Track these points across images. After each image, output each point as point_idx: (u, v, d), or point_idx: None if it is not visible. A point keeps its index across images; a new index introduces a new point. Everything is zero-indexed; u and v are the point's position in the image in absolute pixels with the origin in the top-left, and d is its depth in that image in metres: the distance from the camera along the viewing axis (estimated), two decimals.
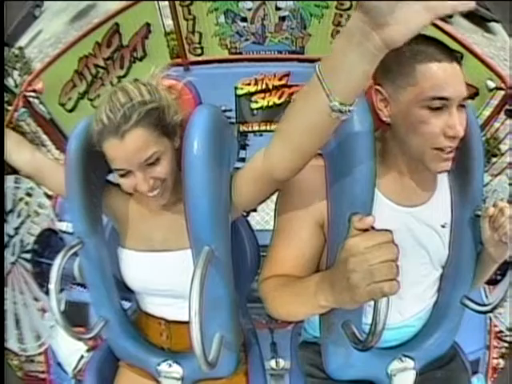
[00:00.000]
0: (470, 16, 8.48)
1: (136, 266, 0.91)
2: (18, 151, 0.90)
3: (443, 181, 0.87)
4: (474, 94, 1.85)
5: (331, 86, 0.53)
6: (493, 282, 1.62)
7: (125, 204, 0.93)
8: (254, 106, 2.35)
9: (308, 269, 0.80)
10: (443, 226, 0.85)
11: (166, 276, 0.88)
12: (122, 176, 0.78)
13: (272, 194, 0.81)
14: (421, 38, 0.70)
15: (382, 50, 0.48)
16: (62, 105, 2.02)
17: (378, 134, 0.80)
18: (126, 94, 0.74)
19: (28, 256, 1.74)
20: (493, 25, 8.17)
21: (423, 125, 0.70)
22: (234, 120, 2.31)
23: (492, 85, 1.80)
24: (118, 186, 0.94)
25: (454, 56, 0.71)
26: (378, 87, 0.74)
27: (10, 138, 0.90)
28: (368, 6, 0.45)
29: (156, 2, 2.09)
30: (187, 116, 0.81)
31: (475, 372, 1.66)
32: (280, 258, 0.82)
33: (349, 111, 0.55)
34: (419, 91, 0.69)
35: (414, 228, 0.82)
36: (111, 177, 0.95)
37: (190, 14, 2.15)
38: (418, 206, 0.82)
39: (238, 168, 0.85)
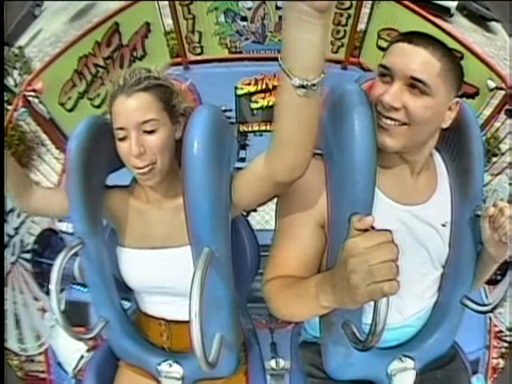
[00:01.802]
0: (470, 15, 8.48)
1: (135, 264, 0.91)
2: (16, 189, 0.92)
3: (444, 180, 0.87)
4: (474, 93, 1.85)
5: (288, 65, 0.56)
6: (493, 282, 1.62)
7: (124, 202, 0.93)
8: (254, 105, 2.36)
9: (310, 269, 0.80)
10: (443, 225, 0.85)
11: (166, 273, 0.88)
12: (120, 140, 0.81)
13: (273, 197, 0.82)
14: (418, 32, 0.74)
15: (313, 15, 0.51)
16: (62, 104, 2.02)
17: None
18: (147, 69, 0.83)
19: (28, 256, 1.74)
20: (493, 24, 8.16)
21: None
22: (234, 120, 2.31)
23: (492, 84, 1.80)
24: (117, 188, 0.94)
25: (428, 45, 0.71)
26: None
27: (8, 174, 0.89)
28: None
29: (156, 1, 2.09)
30: (191, 110, 0.83)
31: (475, 372, 1.66)
32: (282, 259, 0.82)
33: (313, 85, 0.56)
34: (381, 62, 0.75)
35: (414, 227, 0.82)
36: (111, 178, 0.95)
37: (189, 13, 2.15)
38: (419, 205, 0.82)
39: (238, 168, 0.85)
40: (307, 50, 0.54)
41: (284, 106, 0.61)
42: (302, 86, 0.56)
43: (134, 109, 0.79)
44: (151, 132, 0.80)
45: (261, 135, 2.39)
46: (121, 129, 0.80)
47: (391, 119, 0.72)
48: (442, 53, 0.72)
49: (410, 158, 0.79)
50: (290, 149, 0.65)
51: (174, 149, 0.85)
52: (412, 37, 0.72)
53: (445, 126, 0.77)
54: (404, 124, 0.72)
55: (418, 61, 0.70)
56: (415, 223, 0.82)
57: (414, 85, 0.70)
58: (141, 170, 0.81)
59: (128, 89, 0.80)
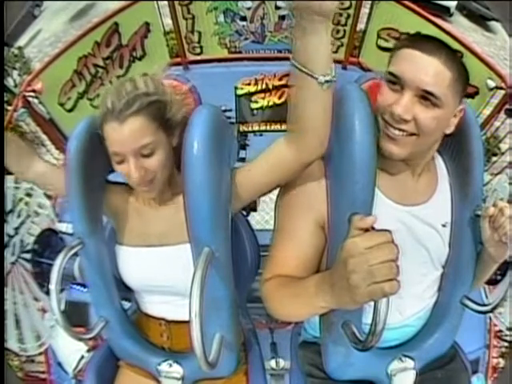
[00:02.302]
0: (469, 15, 8.48)
1: (133, 262, 0.91)
2: (17, 162, 0.91)
3: (444, 180, 0.86)
4: (474, 93, 1.85)
5: (310, 67, 0.64)
6: (493, 282, 1.62)
7: (124, 202, 0.93)
8: (254, 105, 2.35)
9: (309, 269, 0.80)
10: (444, 226, 0.85)
11: (163, 271, 0.88)
12: (117, 163, 0.81)
13: (274, 189, 0.84)
14: (425, 35, 0.75)
15: (323, 19, 0.60)
16: (62, 104, 2.01)
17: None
18: (133, 84, 0.79)
19: (28, 256, 1.74)
20: (493, 24, 8.16)
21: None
22: (234, 120, 2.31)
23: (492, 84, 1.80)
24: (117, 184, 0.94)
25: (442, 53, 0.70)
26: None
27: (9, 147, 0.89)
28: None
29: (155, 1, 2.09)
30: (188, 116, 0.81)
31: (475, 371, 1.66)
32: (281, 259, 0.82)
33: (334, 77, 0.66)
34: (389, 67, 0.75)
35: (415, 227, 0.82)
36: (111, 177, 0.95)
37: (189, 13, 2.14)
38: (419, 205, 0.82)
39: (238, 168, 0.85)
40: (323, 49, 0.64)
41: (310, 101, 0.68)
42: (327, 81, 0.65)
43: (128, 136, 0.77)
44: (149, 155, 0.79)
45: (261, 135, 2.39)
46: (117, 154, 0.79)
47: (400, 130, 0.72)
48: (452, 61, 0.70)
49: (412, 161, 0.80)
50: (318, 130, 0.72)
51: (173, 156, 0.85)
52: (422, 43, 0.71)
53: (449, 131, 0.77)
54: (412, 134, 0.73)
55: (431, 72, 0.69)
56: (415, 223, 0.82)
57: (426, 97, 0.70)
58: (141, 187, 0.82)
59: (118, 114, 0.76)
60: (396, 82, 0.72)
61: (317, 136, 0.73)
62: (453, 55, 0.72)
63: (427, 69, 0.69)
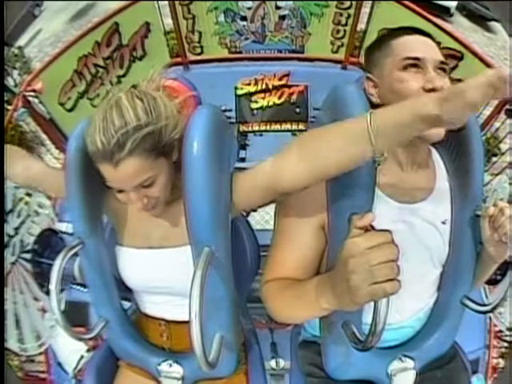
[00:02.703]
0: (469, 15, 8.48)
1: (133, 264, 0.91)
2: (10, 166, 0.89)
3: (442, 177, 0.87)
4: None
5: (379, 146, 0.61)
6: (493, 282, 1.62)
7: (124, 203, 0.93)
8: (253, 105, 2.35)
9: (309, 270, 0.80)
10: (443, 223, 0.85)
11: (163, 273, 0.88)
12: (117, 192, 0.79)
13: (270, 202, 0.82)
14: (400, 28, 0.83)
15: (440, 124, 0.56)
16: (62, 104, 2.02)
17: None
18: (121, 117, 0.71)
19: (28, 256, 1.74)
20: (493, 24, 8.16)
21: (403, 84, 0.77)
22: (234, 120, 2.31)
23: None
24: None
25: (427, 34, 0.82)
26: (368, 75, 0.83)
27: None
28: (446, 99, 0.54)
29: (155, 1, 2.09)
30: (187, 116, 0.81)
31: (475, 371, 1.66)
32: (281, 260, 0.81)
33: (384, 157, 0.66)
34: (395, 57, 0.78)
35: (414, 225, 0.82)
36: None
37: (189, 13, 2.14)
38: (418, 203, 0.82)
39: (238, 168, 0.85)
40: (403, 142, 0.68)
41: (343, 155, 0.66)
42: (377, 161, 0.67)
43: (125, 178, 0.73)
44: (150, 185, 0.76)
45: (261, 135, 2.39)
46: (114, 187, 0.77)
47: None
48: (428, 34, 0.82)
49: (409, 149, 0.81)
50: (311, 173, 0.70)
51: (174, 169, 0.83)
52: (412, 30, 0.82)
53: None
54: None
55: (432, 46, 0.80)
56: (415, 221, 0.82)
57: (441, 67, 0.78)
58: (145, 208, 0.80)
59: (111, 156, 0.70)
60: (417, 64, 0.77)
61: (306, 175, 0.72)
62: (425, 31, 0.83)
63: (433, 45, 0.80)
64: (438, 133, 0.74)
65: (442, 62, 0.78)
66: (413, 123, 0.57)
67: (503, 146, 2.13)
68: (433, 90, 0.73)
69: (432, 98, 0.55)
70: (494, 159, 2.07)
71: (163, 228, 0.89)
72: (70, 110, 2.05)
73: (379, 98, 0.81)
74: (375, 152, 0.62)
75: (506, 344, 1.82)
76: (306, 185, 0.72)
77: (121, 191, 0.78)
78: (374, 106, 0.79)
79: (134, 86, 0.80)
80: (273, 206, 0.87)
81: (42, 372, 1.81)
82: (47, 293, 1.65)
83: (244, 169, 0.81)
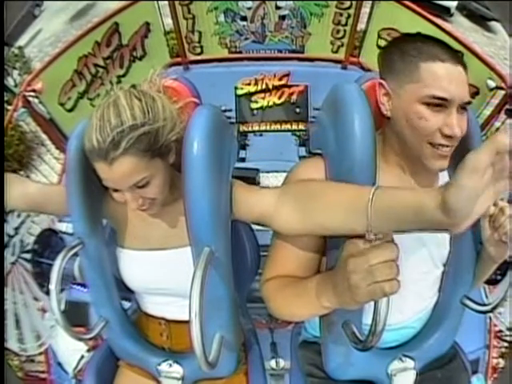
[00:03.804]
0: (470, 15, 8.48)
1: (134, 266, 0.91)
2: (12, 194, 0.88)
3: (444, 178, 0.86)
4: (474, 93, 1.85)
5: (375, 225, 0.56)
6: (493, 282, 1.62)
7: (124, 205, 0.92)
8: (253, 106, 2.36)
9: (309, 269, 0.80)
10: None
11: (164, 275, 0.88)
12: (113, 191, 0.79)
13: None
14: (426, 38, 0.73)
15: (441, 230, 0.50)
16: (62, 104, 2.02)
17: (378, 133, 0.80)
18: (118, 116, 0.71)
19: (28, 256, 1.74)
20: (493, 24, 8.16)
21: (421, 120, 0.72)
22: (234, 120, 2.32)
23: (492, 84, 1.80)
24: None
25: (459, 59, 0.72)
26: (381, 81, 0.77)
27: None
28: (452, 209, 0.46)
29: (155, 1, 2.09)
30: (186, 115, 0.81)
31: (475, 371, 1.66)
32: (281, 259, 0.81)
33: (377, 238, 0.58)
34: (421, 88, 0.71)
35: None
36: None
37: (189, 13, 2.15)
38: None
39: (237, 168, 0.85)
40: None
41: (339, 219, 0.63)
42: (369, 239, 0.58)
43: (119, 177, 0.73)
44: (145, 185, 0.76)
45: (261, 135, 2.39)
46: (110, 186, 0.77)
47: (452, 146, 0.74)
48: (460, 59, 0.73)
49: (410, 155, 0.79)
50: (306, 226, 0.69)
51: (172, 169, 0.83)
52: (441, 53, 0.71)
53: None
54: (454, 146, 0.74)
55: (464, 82, 0.72)
56: None
57: (464, 107, 0.72)
58: (141, 208, 0.80)
59: (105, 155, 0.70)
60: (442, 104, 0.71)
61: (300, 226, 0.71)
62: (459, 54, 0.74)
63: (463, 81, 0.71)
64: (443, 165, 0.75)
65: (467, 102, 0.72)
66: (413, 224, 0.52)
67: None
68: (449, 136, 0.72)
69: (438, 204, 0.48)
70: None
71: (163, 229, 0.89)
72: (70, 110, 2.05)
73: (389, 112, 0.77)
74: (369, 230, 0.57)
75: (506, 344, 1.82)
76: (295, 234, 0.74)
77: (116, 190, 0.78)
78: (382, 114, 0.78)
79: (134, 86, 0.80)
80: None
81: (42, 372, 1.81)
82: (47, 293, 1.65)
83: (244, 169, 0.81)
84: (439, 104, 0.71)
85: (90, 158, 0.74)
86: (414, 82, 0.72)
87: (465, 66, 0.73)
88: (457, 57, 0.72)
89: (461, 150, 0.84)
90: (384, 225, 0.56)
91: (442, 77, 0.70)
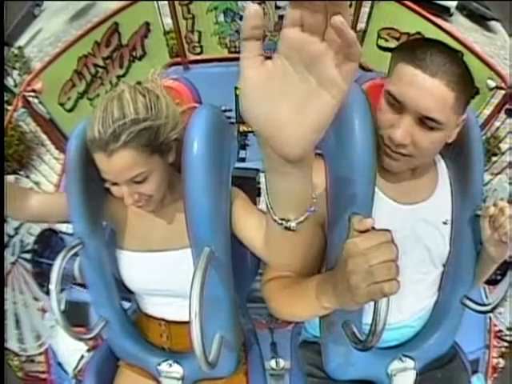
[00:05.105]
0: (470, 15, 8.48)
1: (134, 267, 0.91)
2: (8, 205, 0.86)
3: (444, 177, 0.87)
4: (474, 93, 1.85)
5: (270, 202, 0.55)
6: (493, 282, 1.62)
7: (124, 206, 0.92)
8: None
9: (310, 269, 0.80)
10: (445, 223, 0.85)
11: (165, 276, 0.88)
12: (111, 184, 0.79)
13: None
14: (432, 47, 0.67)
15: (285, 165, 0.45)
16: (62, 104, 2.01)
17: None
18: (121, 108, 0.72)
19: (28, 256, 1.74)
20: (493, 24, 8.16)
21: (380, 112, 0.73)
22: (233, 120, 2.31)
23: (492, 84, 1.80)
24: None
25: (443, 74, 0.64)
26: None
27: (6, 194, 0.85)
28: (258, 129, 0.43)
29: (155, 1, 2.09)
30: (187, 117, 0.81)
31: (475, 371, 1.66)
32: None
33: (292, 226, 0.54)
34: (387, 82, 0.72)
35: (416, 225, 0.82)
36: None
37: (189, 12, 2.15)
38: (420, 203, 0.82)
39: (237, 168, 0.85)
40: (285, 194, 0.52)
41: (269, 234, 0.63)
42: (281, 224, 0.55)
43: (117, 170, 0.73)
44: (143, 181, 0.76)
45: None
46: (108, 179, 0.77)
47: (397, 153, 0.73)
48: (457, 77, 0.65)
49: (413, 165, 0.80)
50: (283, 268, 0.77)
51: (170, 168, 0.83)
52: (424, 60, 0.65)
53: (450, 141, 0.76)
54: (411, 156, 0.73)
55: (434, 98, 0.65)
56: (416, 222, 0.82)
57: (425, 122, 0.68)
58: (136, 204, 0.80)
59: (105, 146, 0.71)
60: (395, 104, 0.69)
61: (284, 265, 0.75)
62: (457, 68, 0.65)
63: (430, 94, 0.64)
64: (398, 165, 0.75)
65: (429, 118, 0.66)
66: (276, 181, 0.50)
67: (503, 146, 2.13)
68: (392, 140, 0.70)
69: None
70: (494, 159, 2.07)
71: (163, 231, 0.89)
72: (70, 110, 2.05)
73: None
74: (272, 213, 0.55)
75: (506, 344, 1.82)
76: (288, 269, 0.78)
77: (115, 184, 0.78)
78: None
79: (139, 83, 0.81)
80: None
81: (42, 372, 1.81)
82: (47, 293, 1.65)
83: (244, 169, 0.81)
84: (393, 103, 0.70)
85: (91, 149, 0.75)
86: (388, 77, 0.73)
87: (449, 84, 0.64)
88: (442, 69, 0.64)
89: (461, 150, 0.85)
90: (273, 201, 0.54)
91: (407, 79, 0.67)
